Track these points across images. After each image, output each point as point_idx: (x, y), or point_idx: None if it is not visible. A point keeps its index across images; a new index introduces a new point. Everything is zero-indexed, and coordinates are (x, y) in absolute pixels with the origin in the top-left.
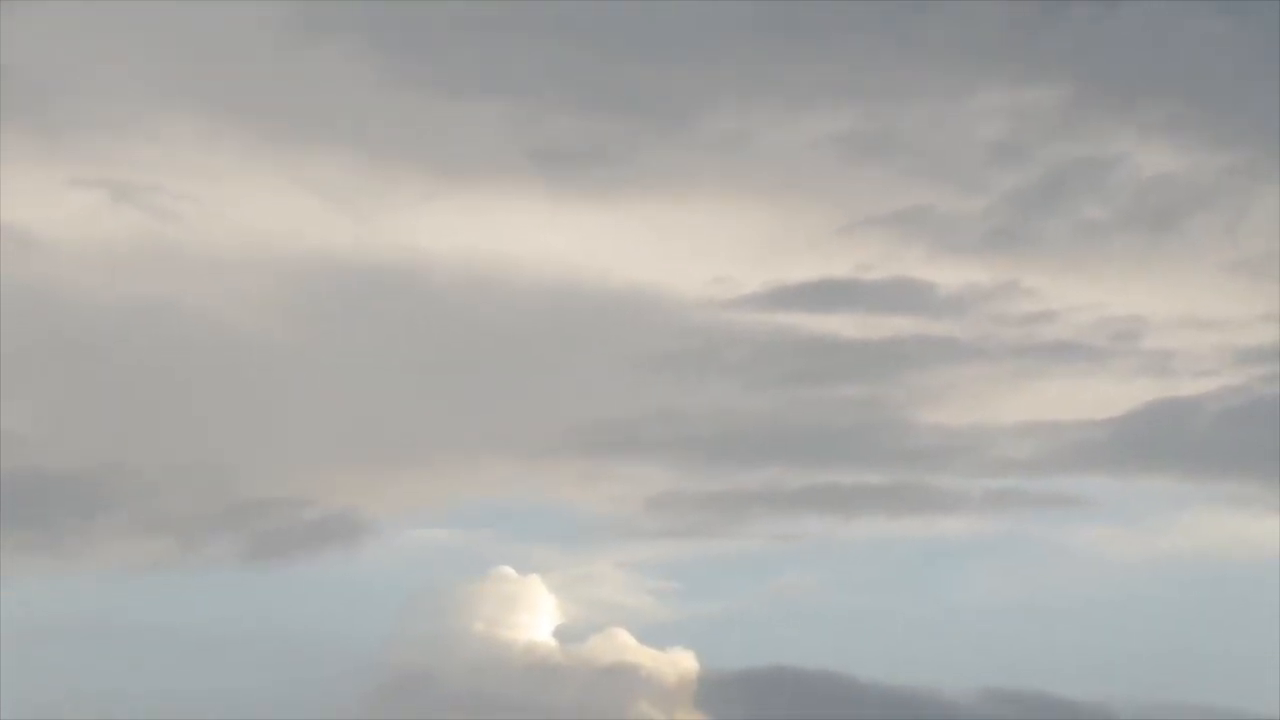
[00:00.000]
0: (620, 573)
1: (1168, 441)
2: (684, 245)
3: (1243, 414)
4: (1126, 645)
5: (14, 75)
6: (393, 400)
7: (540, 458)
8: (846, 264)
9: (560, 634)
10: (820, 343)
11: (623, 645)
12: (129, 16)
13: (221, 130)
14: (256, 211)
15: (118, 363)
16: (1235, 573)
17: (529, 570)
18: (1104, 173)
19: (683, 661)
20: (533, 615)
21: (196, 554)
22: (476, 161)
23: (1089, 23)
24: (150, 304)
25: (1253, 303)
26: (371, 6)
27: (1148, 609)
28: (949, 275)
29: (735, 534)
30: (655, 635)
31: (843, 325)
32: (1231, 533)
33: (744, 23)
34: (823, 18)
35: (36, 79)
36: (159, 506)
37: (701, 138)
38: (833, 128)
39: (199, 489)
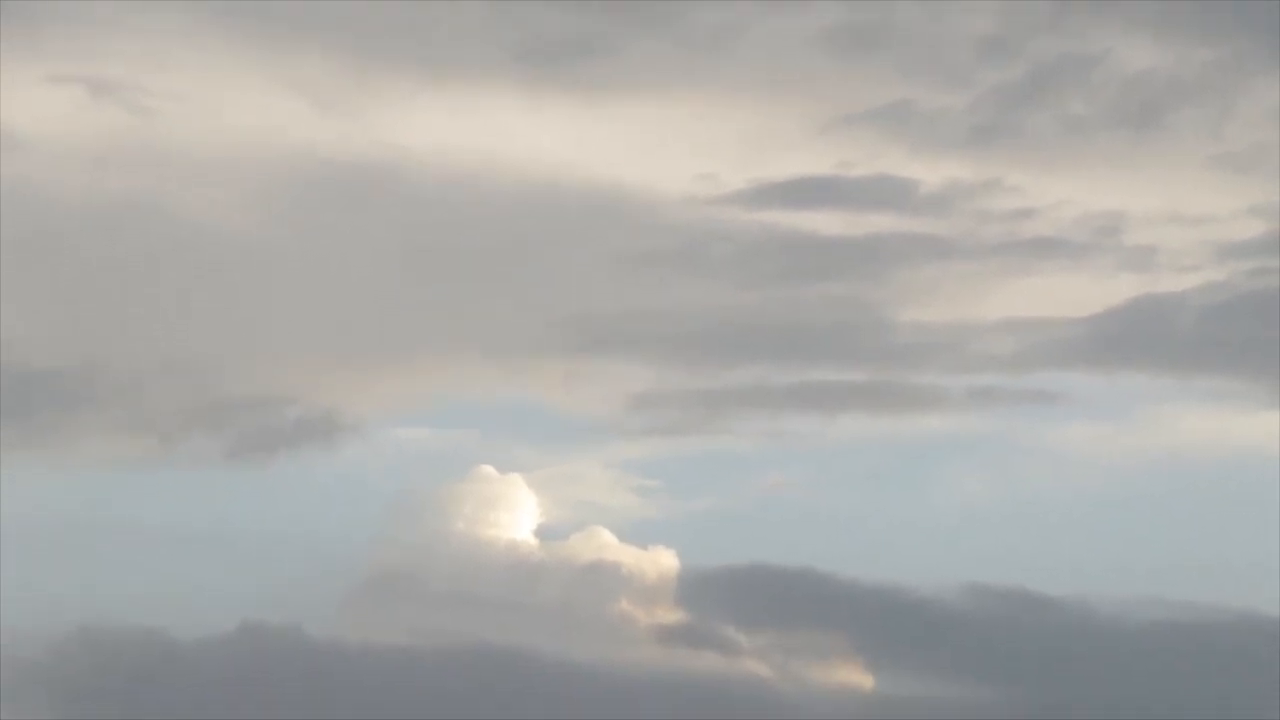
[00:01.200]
0: (602, 471)
1: (1150, 338)
2: (668, 142)
3: (1225, 309)
4: (1106, 542)
5: None
6: (376, 299)
7: (523, 356)
8: (830, 161)
9: (541, 533)
10: (803, 241)
11: (604, 544)
12: None
13: (204, 28)
14: (239, 110)
15: (99, 261)
16: (1216, 469)
17: (511, 469)
18: (1088, 68)
19: (663, 559)
20: (514, 514)
21: (178, 452)
22: (460, 60)
23: None
24: (132, 202)
25: (1236, 197)
26: None
27: (1128, 506)
28: (932, 172)
29: (717, 432)
30: (637, 533)
31: (826, 223)
32: (1213, 429)
33: None
34: None
35: None
36: (140, 405)
37: (687, 33)
38: (819, 23)
39: (181, 387)
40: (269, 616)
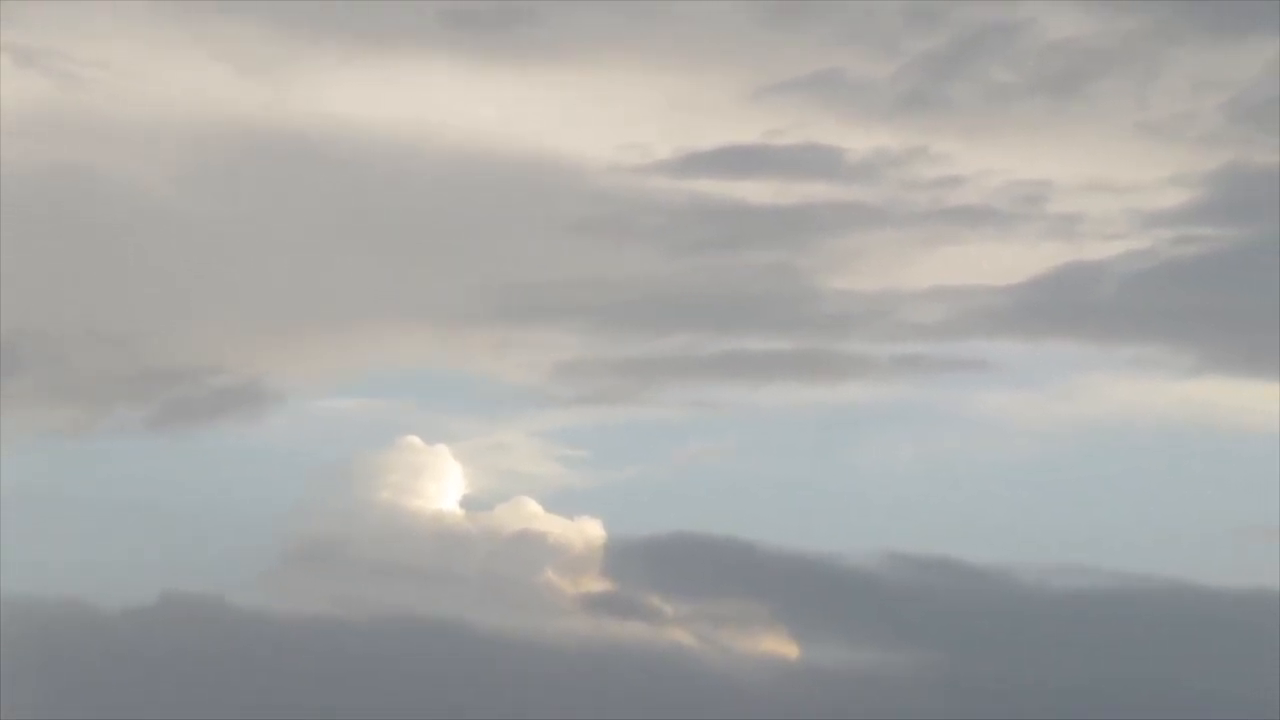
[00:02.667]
0: (529, 441)
1: (1074, 305)
2: (596, 111)
3: (1149, 277)
4: (1029, 510)
5: None
6: (304, 268)
7: (450, 325)
8: (757, 130)
9: (467, 503)
10: (731, 209)
11: (530, 514)
12: None
13: None
14: (167, 78)
15: (24, 228)
16: (1139, 437)
17: (437, 440)
18: (1014, 36)
19: (590, 529)
20: (439, 484)
21: (102, 421)
22: (389, 27)
23: None
24: (57, 170)
25: (1160, 166)
26: None
27: (1051, 473)
28: (859, 141)
29: (645, 401)
30: (563, 503)
31: (753, 192)
32: (1136, 397)
33: None
34: None
35: None
36: (66, 372)
37: (616, 2)
38: None
39: (106, 356)
40: (191, 586)
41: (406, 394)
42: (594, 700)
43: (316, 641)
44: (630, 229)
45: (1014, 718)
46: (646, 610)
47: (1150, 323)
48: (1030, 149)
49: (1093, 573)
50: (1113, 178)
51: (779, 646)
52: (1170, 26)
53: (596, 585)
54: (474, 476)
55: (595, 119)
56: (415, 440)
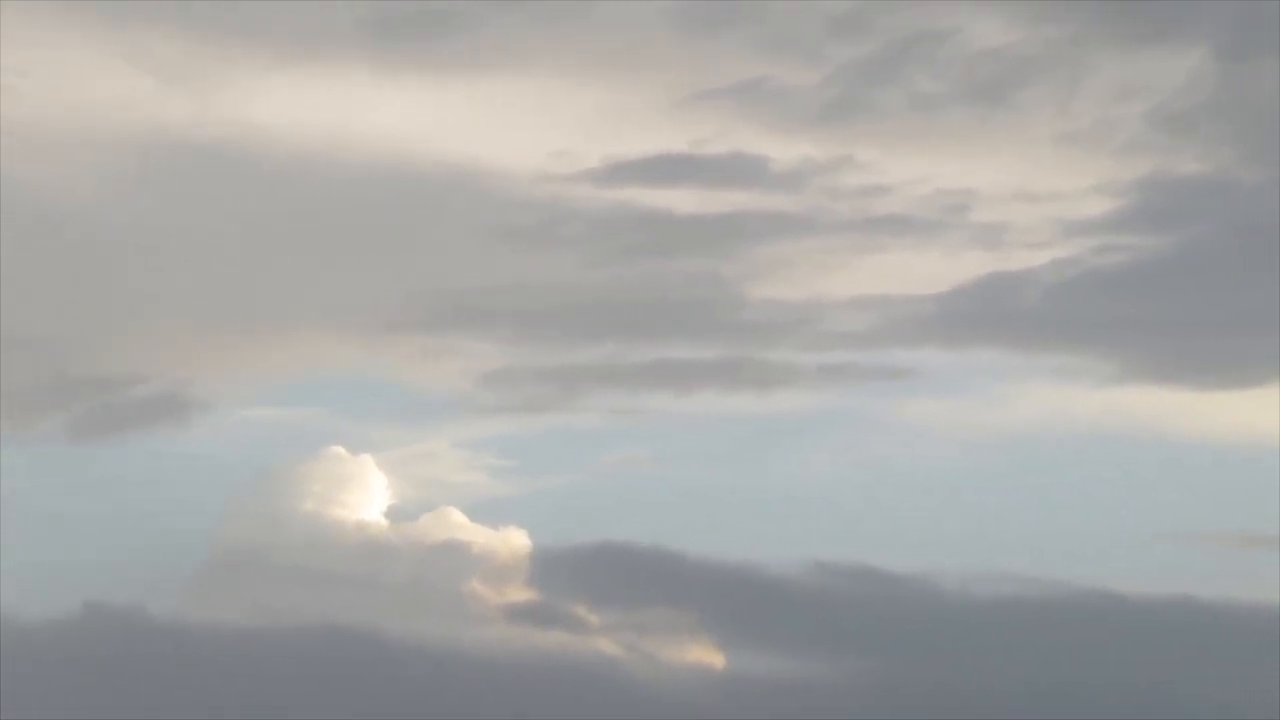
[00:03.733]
0: (454, 450)
1: (999, 314)
2: (521, 119)
3: (1074, 286)
4: (952, 518)
5: None
6: (227, 277)
7: (375, 334)
8: (683, 138)
9: (392, 513)
10: (657, 217)
11: (455, 523)
12: None
13: (51, 5)
14: (86, 86)
15: None
16: (1061, 445)
17: (362, 448)
18: (938, 45)
19: (515, 539)
20: (364, 494)
21: (22, 430)
22: (311, 34)
23: None
24: None
25: (1083, 175)
26: None
27: (974, 482)
28: (785, 149)
29: (571, 409)
30: (489, 513)
31: (679, 200)
32: (1059, 405)
33: None
34: None
35: None
36: None
37: (539, 9)
38: None
39: (26, 365)
40: (112, 597)
41: (331, 403)
42: (518, 710)
43: (240, 652)
44: (556, 237)
45: None
46: (571, 620)
47: (1074, 331)
48: (955, 158)
49: (1015, 580)
50: (1037, 186)
51: (705, 655)
52: (1093, 35)
53: (521, 595)
54: (399, 486)
55: (522, 126)
56: (340, 450)
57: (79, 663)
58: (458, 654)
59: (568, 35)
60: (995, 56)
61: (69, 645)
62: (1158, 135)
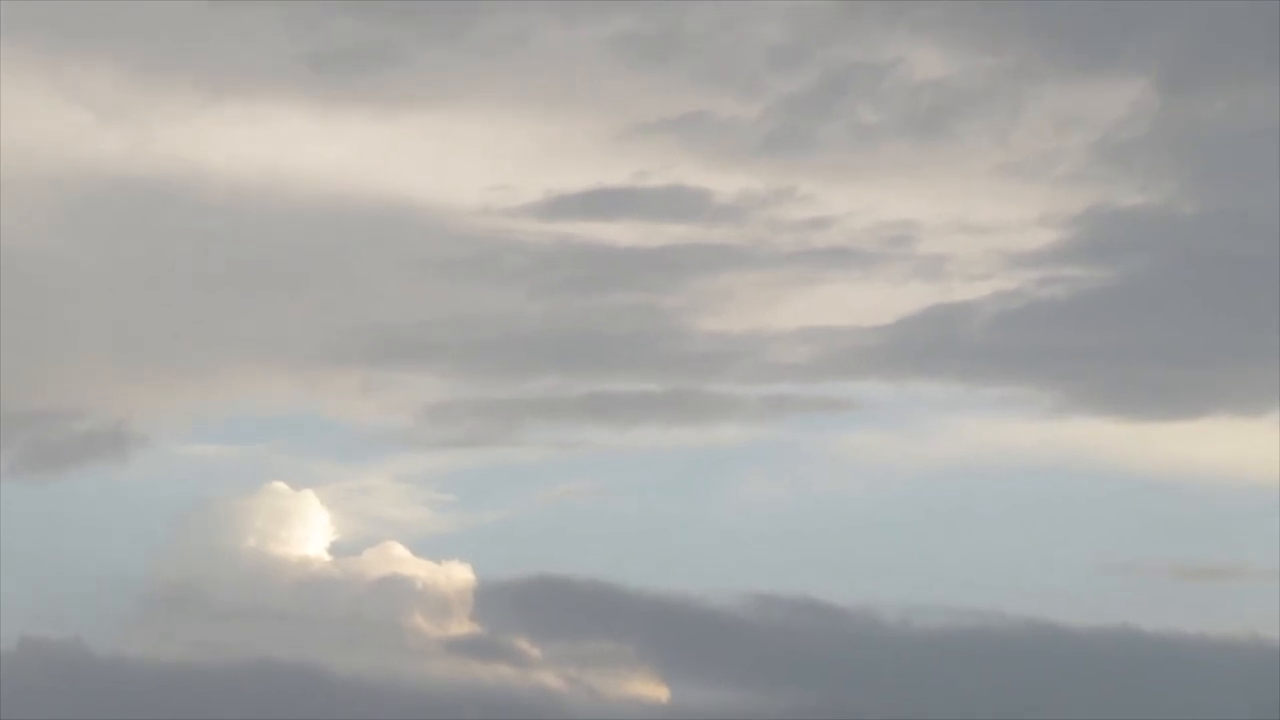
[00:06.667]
0: (396, 485)
1: (941, 346)
2: (460, 153)
3: (1015, 317)
4: (893, 549)
5: None
6: (167, 313)
7: (316, 369)
8: (624, 172)
9: (334, 549)
10: (598, 251)
11: (397, 558)
12: None
13: None
14: (21, 122)
15: None
16: (1001, 477)
17: (304, 483)
18: (878, 77)
19: (459, 573)
20: (306, 530)
21: None
22: (248, 70)
23: None
24: None
25: (1024, 206)
26: None
27: (914, 514)
28: (726, 182)
29: (512, 443)
30: (432, 547)
31: (620, 233)
32: (999, 437)
33: None
34: None
35: None
36: None
37: (477, 43)
38: (610, 32)
39: None
40: (50, 632)
41: (272, 438)
42: None
43: (178, 687)
44: (497, 270)
45: None
46: (513, 653)
47: (1016, 363)
48: (897, 189)
49: (956, 612)
50: (979, 218)
51: (646, 688)
52: (1034, 66)
53: (463, 629)
54: (341, 521)
55: (461, 160)
56: (281, 485)
57: (16, 697)
58: (400, 688)
59: (507, 69)
60: (936, 88)
61: (5, 679)
62: (1099, 166)
